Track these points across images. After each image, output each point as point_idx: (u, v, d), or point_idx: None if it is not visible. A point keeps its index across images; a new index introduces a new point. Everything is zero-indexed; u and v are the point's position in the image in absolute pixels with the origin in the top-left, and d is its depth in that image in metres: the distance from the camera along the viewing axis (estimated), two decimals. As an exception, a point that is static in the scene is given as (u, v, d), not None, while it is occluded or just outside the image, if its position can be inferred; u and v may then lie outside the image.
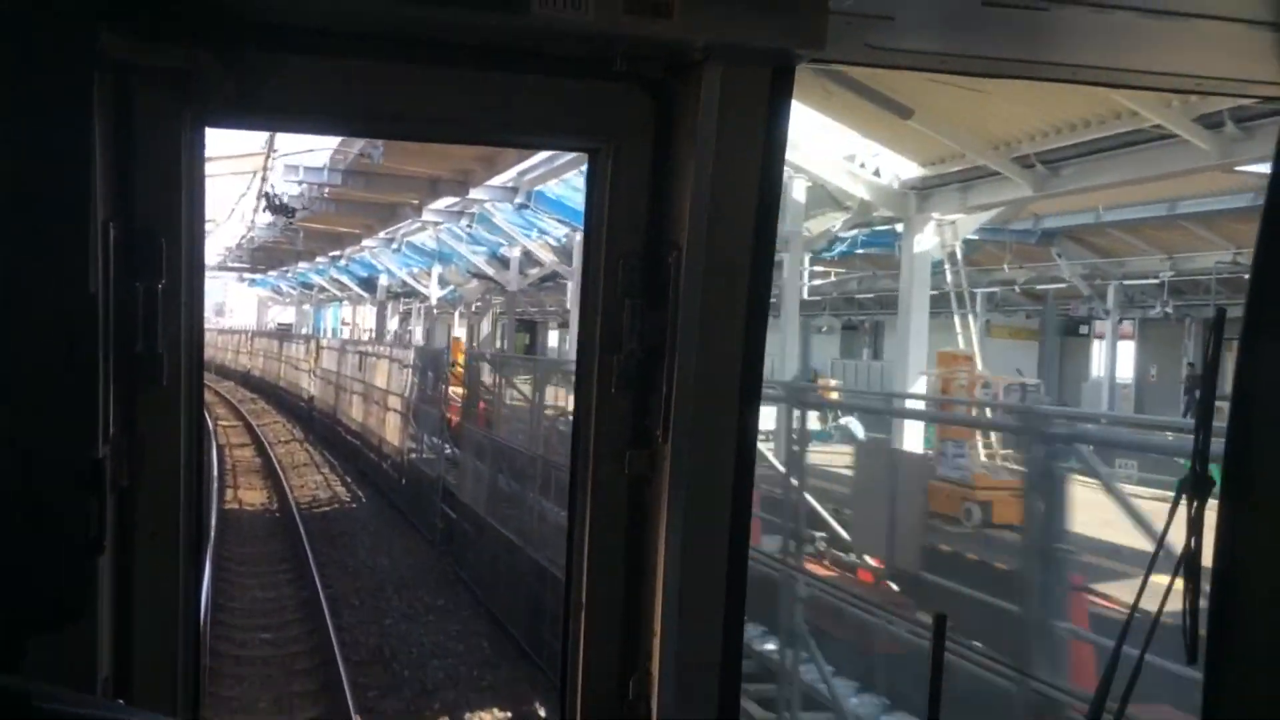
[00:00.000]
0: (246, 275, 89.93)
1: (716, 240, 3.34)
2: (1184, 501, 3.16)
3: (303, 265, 67.01)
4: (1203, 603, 3.19)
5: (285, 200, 36.60)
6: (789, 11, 3.12)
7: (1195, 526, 3.15)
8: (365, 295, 65.94)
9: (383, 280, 58.67)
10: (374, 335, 60.62)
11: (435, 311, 59.09)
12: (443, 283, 52.30)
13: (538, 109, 3.46)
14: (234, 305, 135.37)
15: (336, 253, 54.51)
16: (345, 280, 65.62)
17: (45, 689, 2.41)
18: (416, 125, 3.92)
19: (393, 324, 65.31)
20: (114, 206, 3.11)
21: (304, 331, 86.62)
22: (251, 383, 79.82)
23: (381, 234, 44.91)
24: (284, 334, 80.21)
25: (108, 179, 3.08)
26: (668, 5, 3.07)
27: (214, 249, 68.66)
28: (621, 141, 3.47)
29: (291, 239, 47.25)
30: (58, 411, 2.87)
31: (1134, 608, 3.21)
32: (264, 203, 37.56)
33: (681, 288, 3.37)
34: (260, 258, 67.79)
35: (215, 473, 34.14)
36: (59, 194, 2.82)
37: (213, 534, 24.19)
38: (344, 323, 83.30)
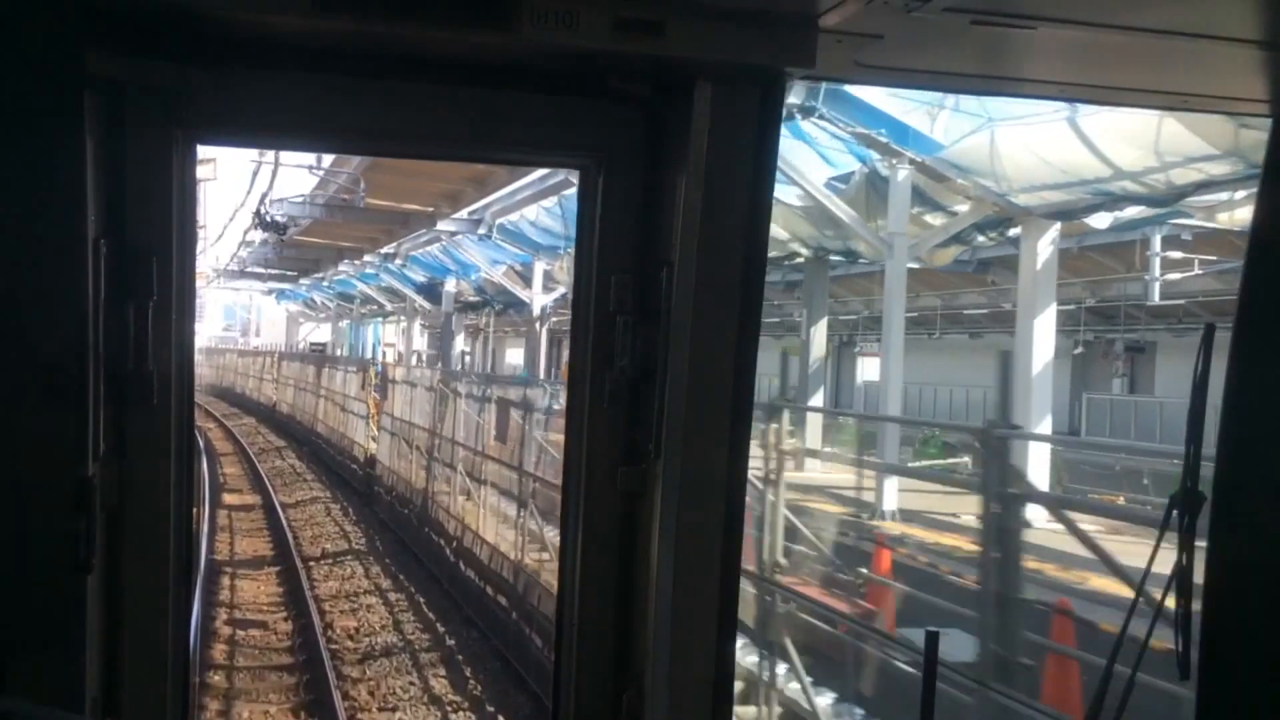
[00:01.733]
0: (274, 285, 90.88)
1: (707, 257, 4.39)
2: (1174, 517, 4.18)
3: (344, 268, 67.35)
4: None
5: (278, 217, 41.91)
6: (779, 30, 4.12)
7: (1186, 543, 4.16)
8: (427, 305, 66.05)
9: (450, 285, 58.84)
10: (439, 361, 60.49)
11: (543, 327, 54.53)
12: (549, 283, 50.48)
13: (529, 126, 4.57)
14: (262, 322, 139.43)
15: (390, 248, 54.07)
16: (398, 286, 65.53)
17: (32, 710, 3.36)
18: (407, 143, 5.06)
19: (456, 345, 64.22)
20: (105, 224, 4.11)
21: (339, 352, 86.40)
22: (277, 421, 79.12)
23: (468, 210, 42.09)
24: (323, 357, 78.31)
25: (98, 197, 4.07)
26: (659, 23, 4.07)
27: (230, 247, 68.21)
28: (612, 158, 4.58)
29: (351, 201, 43.21)
30: (46, 429, 3.73)
31: (1125, 626, 4.23)
32: (256, 219, 42.90)
33: (673, 304, 4.45)
34: (291, 261, 69.03)
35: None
36: (50, 212, 3.69)
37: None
38: (386, 344, 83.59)
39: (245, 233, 57.44)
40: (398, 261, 56.92)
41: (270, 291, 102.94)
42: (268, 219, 43.83)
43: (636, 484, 4.63)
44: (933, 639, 4.58)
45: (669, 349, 4.47)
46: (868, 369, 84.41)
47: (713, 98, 4.32)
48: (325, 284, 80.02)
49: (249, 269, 77.66)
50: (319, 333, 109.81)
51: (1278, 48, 4.07)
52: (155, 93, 4.12)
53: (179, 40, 4.09)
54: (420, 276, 61.01)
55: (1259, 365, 4.37)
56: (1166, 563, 4.20)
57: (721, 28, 4.11)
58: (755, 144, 4.40)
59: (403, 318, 77.41)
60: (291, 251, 61.61)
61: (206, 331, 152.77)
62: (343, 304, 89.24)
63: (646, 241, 4.61)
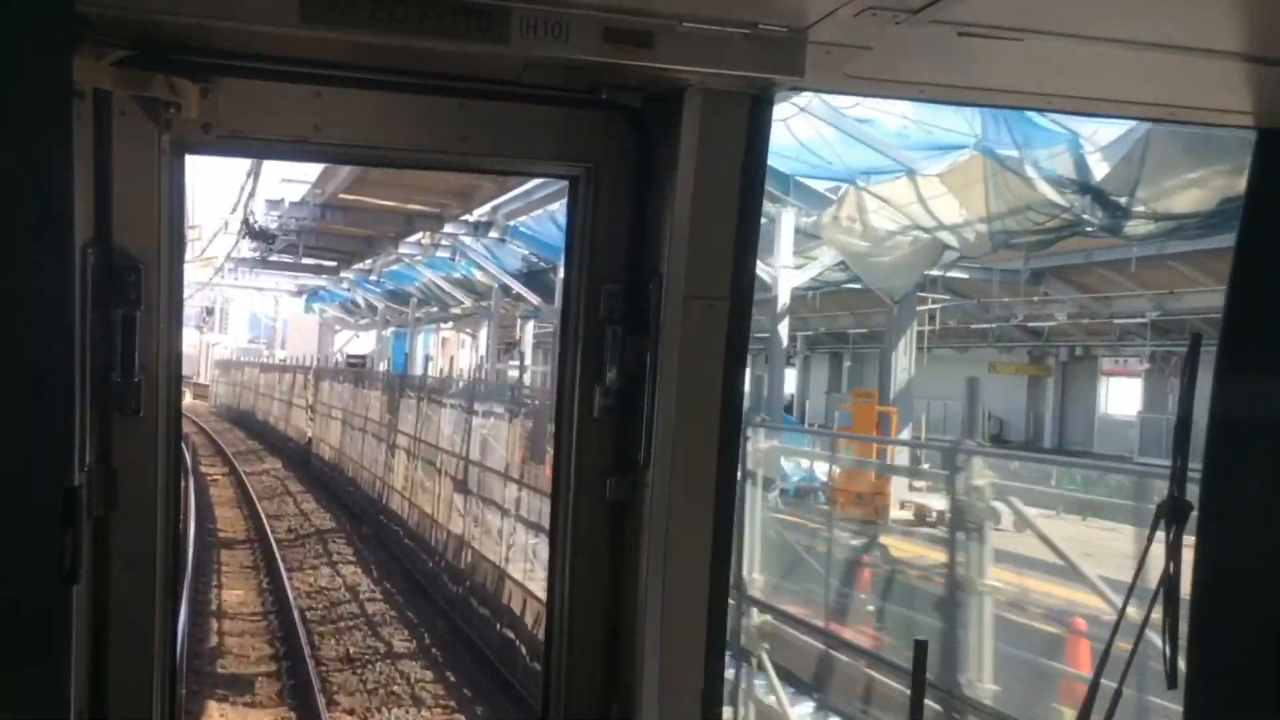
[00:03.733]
0: (306, 280, 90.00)
1: (696, 267, 5.91)
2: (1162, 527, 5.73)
3: (407, 249, 62.79)
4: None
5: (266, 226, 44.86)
6: (769, 42, 5.52)
7: (1173, 552, 5.72)
8: (535, 300, 60.77)
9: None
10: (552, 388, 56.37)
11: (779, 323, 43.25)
12: (804, 246, 43.26)
13: (519, 137, 6.11)
14: (289, 332, 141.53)
15: (484, 211, 52.31)
16: (489, 273, 60.56)
17: None
18: (397, 153, 6.55)
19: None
20: (93, 233, 5.56)
21: (382, 367, 77.86)
22: (316, 476, 70.95)
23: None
24: (406, 381, 59.81)
25: (86, 205, 5.52)
26: (648, 35, 5.45)
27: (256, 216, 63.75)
28: (602, 169, 6.14)
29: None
30: (33, 438, 4.67)
31: (1113, 634, 5.77)
32: (244, 228, 46.68)
33: (663, 314, 5.97)
34: (333, 242, 65.47)
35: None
36: (37, 220, 4.65)
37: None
38: (434, 355, 79.68)
39: (238, 237, 58.47)
40: (493, 234, 54.74)
41: (300, 292, 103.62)
42: (255, 227, 48.29)
43: (626, 493, 6.26)
44: (921, 648, 6.11)
45: (658, 359, 6.05)
46: (1119, 395, 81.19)
47: (702, 109, 5.83)
48: (373, 278, 78.41)
49: (272, 257, 73.02)
50: (358, 343, 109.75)
51: (1262, 61, 5.45)
52: (143, 102, 5.61)
53: (167, 50, 5.56)
54: (518, 259, 57.63)
55: (1244, 378, 6.00)
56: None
57: (711, 39, 5.51)
58: (745, 154, 5.94)
59: (455, 322, 76.15)
60: (337, 218, 58.25)
61: (230, 343, 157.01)
62: (393, 305, 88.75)
63: (636, 251, 6.21)
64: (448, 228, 56.31)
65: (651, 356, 6.10)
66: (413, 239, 60.25)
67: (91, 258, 5.54)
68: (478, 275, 65.49)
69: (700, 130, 5.84)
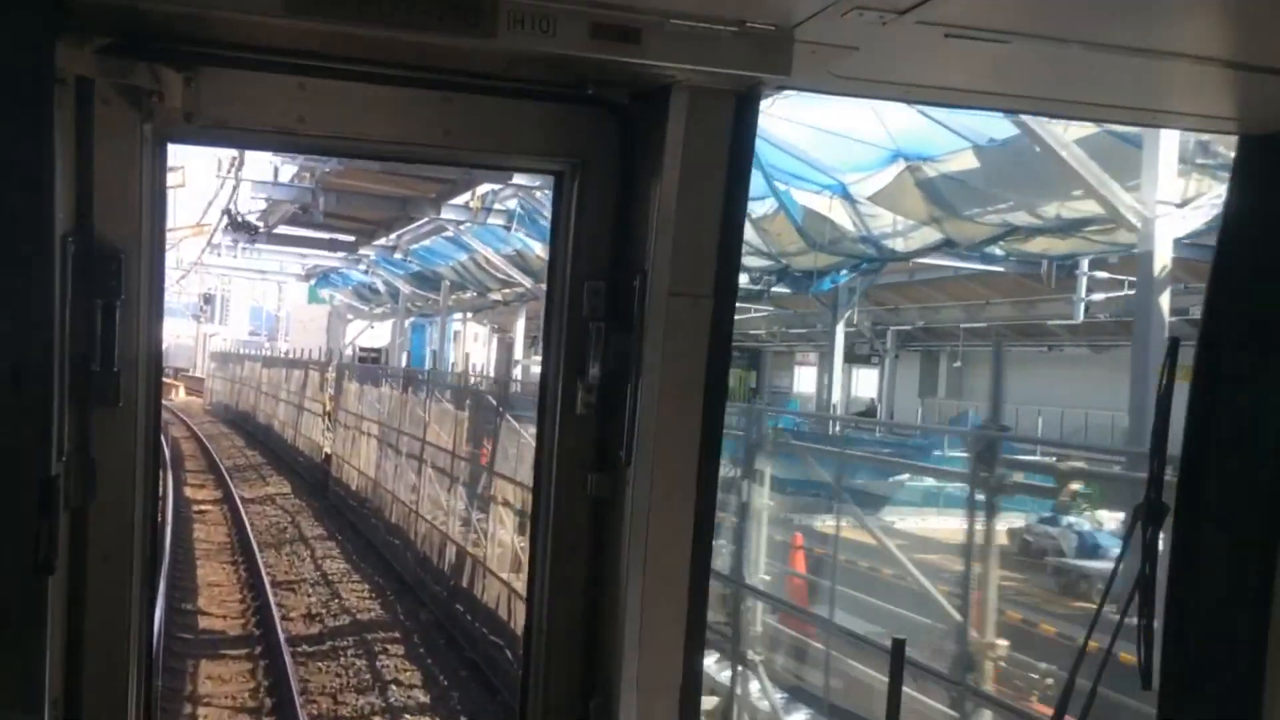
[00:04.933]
0: (319, 258, 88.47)
1: (681, 264, 6.95)
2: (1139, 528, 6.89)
3: (450, 216, 56.84)
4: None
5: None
6: (756, 40, 6.41)
7: (1150, 553, 6.85)
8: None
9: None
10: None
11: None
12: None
13: (504, 132, 7.17)
14: (292, 323, 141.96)
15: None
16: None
17: None
18: (380, 146, 7.71)
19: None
20: (73, 222, 6.39)
21: (403, 361, 77.69)
22: (331, 509, 63.42)
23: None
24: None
25: (67, 194, 6.36)
26: (635, 31, 6.33)
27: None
28: (588, 165, 7.22)
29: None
30: (10, 428, 5.61)
31: (1088, 636, 6.95)
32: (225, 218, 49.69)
33: (646, 311, 7.04)
34: (358, 210, 59.07)
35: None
36: (17, 208, 5.58)
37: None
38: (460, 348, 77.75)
39: (216, 228, 61.01)
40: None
41: (308, 275, 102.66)
42: (239, 219, 51.03)
43: (607, 490, 7.38)
44: (899, 646, 7.32)
45: (641, 356, 7.12)
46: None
47: (688, 106, 6.85)
48: (398, 255, 73.42)
49: (279, 230, 68.77)
50: (371, 335, 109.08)
51: (1245, 67, 6.39)
52: (126, 91, 6.53)
53: (150, 39, 6.47)
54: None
55: (1222, 382, 7.10)
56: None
57: (698, 36, 6.42)
58: (730, 152, 6.97)
59: (476, 313, 75.43)
60: (371, 164, 45.32)
61: (230, 334, 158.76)
62: (420, 290, 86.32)
63: (620, 248, 7.31)
64: (517, 178, 47.28)
65: (635, 353, 7.10)
66: (459, 200, 56.21)
67: (72, 246, 6.38)
68: (537, 249, 61.35)
69: (686, 127, 6.80)
